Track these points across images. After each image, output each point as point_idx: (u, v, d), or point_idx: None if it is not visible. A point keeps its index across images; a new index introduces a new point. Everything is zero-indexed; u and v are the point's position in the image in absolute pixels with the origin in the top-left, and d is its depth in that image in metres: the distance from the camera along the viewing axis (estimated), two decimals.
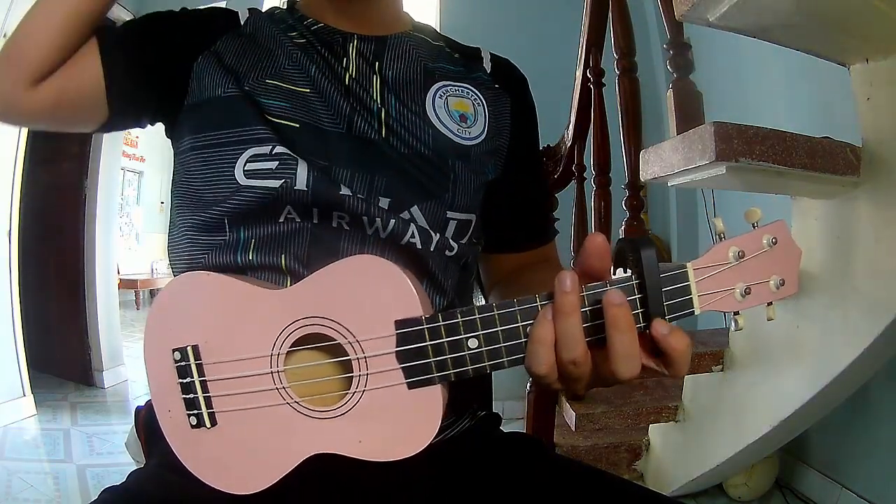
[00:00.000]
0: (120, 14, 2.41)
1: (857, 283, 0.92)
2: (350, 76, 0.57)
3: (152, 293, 5.51)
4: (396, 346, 0.40)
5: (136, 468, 0.56)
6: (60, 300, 2.95)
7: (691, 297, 0.38)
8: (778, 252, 0.39)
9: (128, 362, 3.09)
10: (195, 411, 0.43)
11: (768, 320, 0.40)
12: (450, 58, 0.65)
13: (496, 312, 0.38)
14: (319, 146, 0.54)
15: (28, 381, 2.39)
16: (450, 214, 0.56)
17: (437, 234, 0.54)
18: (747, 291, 0.38)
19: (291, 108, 0.54)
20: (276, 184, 0.51)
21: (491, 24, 2.51)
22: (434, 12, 2.81)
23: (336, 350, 0.41)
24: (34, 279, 2.75)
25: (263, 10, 0.63)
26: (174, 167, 0.58)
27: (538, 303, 0.38)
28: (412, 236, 0.53)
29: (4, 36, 2.00)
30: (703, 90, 1.12)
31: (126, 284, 4.74)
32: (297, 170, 0.51)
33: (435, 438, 0.40)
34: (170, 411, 0.44)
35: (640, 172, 1.05)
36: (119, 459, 2.01)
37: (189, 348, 0.43)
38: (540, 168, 0.74)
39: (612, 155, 1.55)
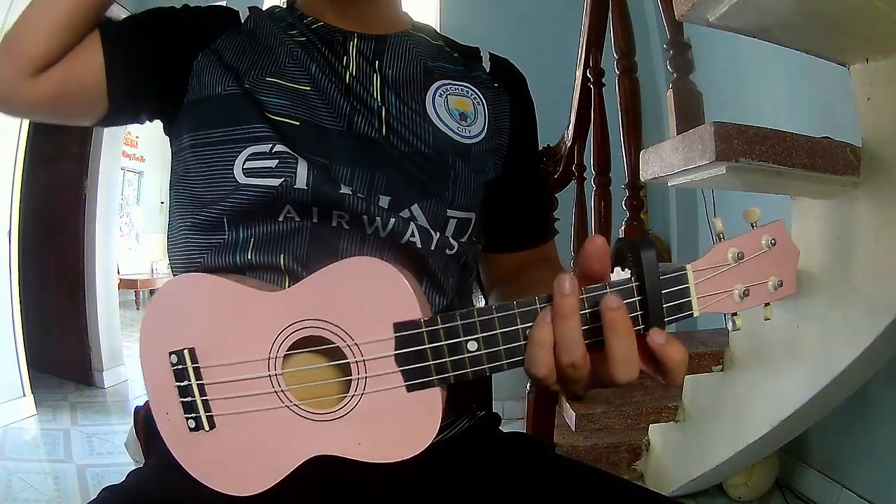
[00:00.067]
0: (119, 14, 2.41)
1: (857, 283, 0.92)
2: (350, 74, 0.57)
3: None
4: (395, 349, 0.39)
5: (135, 468, 0.56)
6: (60, 300, 2.96)
7: (690, 300, 0.38)
8: (776, 253, 0.39)
9: (128, 362, 3.09)
10: (193, 414, 0.43)
11: (765, 320, 0.40)
12: (449, 57, 0.65)
13: (495, 315, 0.38)
14: (320, 144, 0.53)
15: (28, 381, 2.39)
16: (450, 213, 0.56)
17: (438, 233, 0.54)
18: (746, 293, 0.38)
19: (292, 105, 0.54)
20: (275, 182, 0.50)
21: (491, 24, 2.50)
22: (434, 12, 2.81)
23: (334, 353, 0.41)
24: (34, 279, 2.75)
25: (264, 9, 0.63)
26: (172, 166, 0.58)
27: (537, 305, 0.38)
28: (412, 235, 0.52)
29: None
30: (703, 90, 1.12)
31: (126, 284, 4.74)
32: (296, 168, 0.51)
33: (434, 439, 0.40)
34: (167, 414, 0.43)
35: (640, 172, 1.05)
36: (119, 459, 2.01)
37: (186, 351, 0.43)
38: (539, 167, 0.74)
39: (612, 155, 1.55)
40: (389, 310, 0.39)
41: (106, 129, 2.84)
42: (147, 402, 0.50)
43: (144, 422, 0.58)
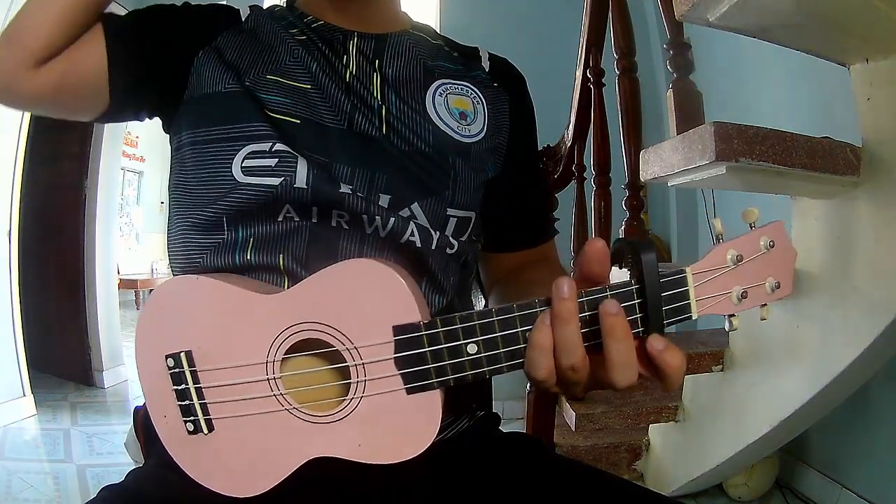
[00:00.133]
0: (117, 11, 2.41)
1: (857, 283, 0.91)
2: (351, 73, 0.57)
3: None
4: (395, 353, 0.39)
5: (135, 467, 0.56)
6: (60, 300, 2.95)
7: (690, 303, 0.38)
8: (774, 254, 0.39)
9: (128, 362, 3.08)
10: (191, 417, 0.43)
11: (762, 320, 0.40)
12: (449, 56, 0.65)
13: (495, 318, 0.38)
14: (320, 142, 0.53)
15: (28, 381, 2.39)
16: (450, 212, 0.56)
17: (437, 232, 0.54)
18: (744, 295, 0.38)
19: (292, 104, 0.54)
20: (275, 181, 0.50)
21: (491, 24, 2.50)
22: (434, 12, 2.81)
23: (333, 356, 0.41)
24: (34, 279, 2.75)
25: (264, 8, 0.63)
26: (171, 164, 0.58)
27: (537, 308, 0.38)
28: (412, 234, 0.52)
29: None
30: (703, 90, 1.12)
31: (126, 284, 4.73)
32: (296, 167, 0.50)
33: (434, 439, 0.40)
34: (165, 416, 0.43)
35: (640, 172, 1.05)
36: (119, 459, 2.01)
37: (182, 354, 0.42)
38: (539, 166, 0.74)
39: (612, 155, 1.55)
40: (388, 312, 0.39)
41: (106, 129, 2.85)
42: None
43: (144, 422, 0.58)
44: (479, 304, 0.74)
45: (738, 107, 1.94)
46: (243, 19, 0.60)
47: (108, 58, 0.52)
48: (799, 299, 1.02)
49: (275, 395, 0.42)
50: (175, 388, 0.43)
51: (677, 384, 0.38)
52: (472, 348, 0.38)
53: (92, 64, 0.52)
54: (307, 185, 0.50)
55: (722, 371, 1.25)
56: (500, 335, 0.38)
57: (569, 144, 1.72)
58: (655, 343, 0.36)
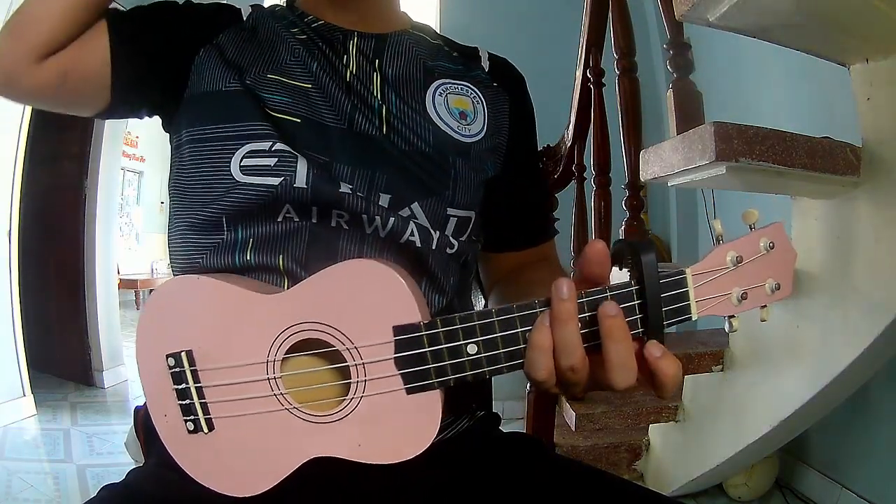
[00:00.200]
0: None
1: (857, 283, 0.92)
2: (351, 73, 0.57)
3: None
4: (395, 353, 0.39)
5: (135, 467, 0.56)
6: (60, 300, 2.95)
7: (689, 304, 0.38)
8: (774, 256, 0.39)
9: (128, 362, 3.08)
10: (192, 417, 0.43)
11: (761, 321, 0.40)
12: (449, 56, 0.65)
13: (495, 318, 0.38)
14: (320, 142, 0.53)
15: (28, 381, 2.39)
16: (450, 211, 0.56)
17: (437, 232, 0.54)
18: (744, 296, 0.38)
19: (293, 102, 0.54)
20: (275, 181, 0.50)
21: (491, 24, 2.50)
22: (434, 12, 2.81)
23: (333, 356, 0.41)
24: (34, 279, 2.75)
25: (265, 7, 0.63)
26: (171, 163, 0.58)
27: (537, 308, 0.38)
28: (411, 234, 0.52)
29: None
30: (703, 90, 1.12)
31: (126, 284, 4.73)
32: (296, 167, 0.50)
33: (434, 439, 0.40)
34: (166, 416, 0.43)
35: (640, 172, 1.05)
36: (119, 459, 2.01)
37: (183, 354, 0.42)
38: (539, 166, 0.74)
39: (612, 155, 1.55)
40: (389, 313, 0.39)
41: (106, 129, 2.85)
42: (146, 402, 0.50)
43: (144, 421, 0.58)
44: (479, 304, 0.74)
45: (738, 107, 1.94)
46: (244, 18, 0.60)
47: (111, 54, 0.52)
48: (799, 299, 1.02)
49: (275, 394, 0.42)
50: (175, 387, 0.43)
51: (671, 392, 0.38)
52: (472, 348, 0.38)
53: (95, 59, 0.52)
54: (307, 184, 0.50)
55: (722, 371, 1.25)
56: (500, 335, 0.38)
57: (569, 144, 1.72)
58: (653, 350, 0.37)
